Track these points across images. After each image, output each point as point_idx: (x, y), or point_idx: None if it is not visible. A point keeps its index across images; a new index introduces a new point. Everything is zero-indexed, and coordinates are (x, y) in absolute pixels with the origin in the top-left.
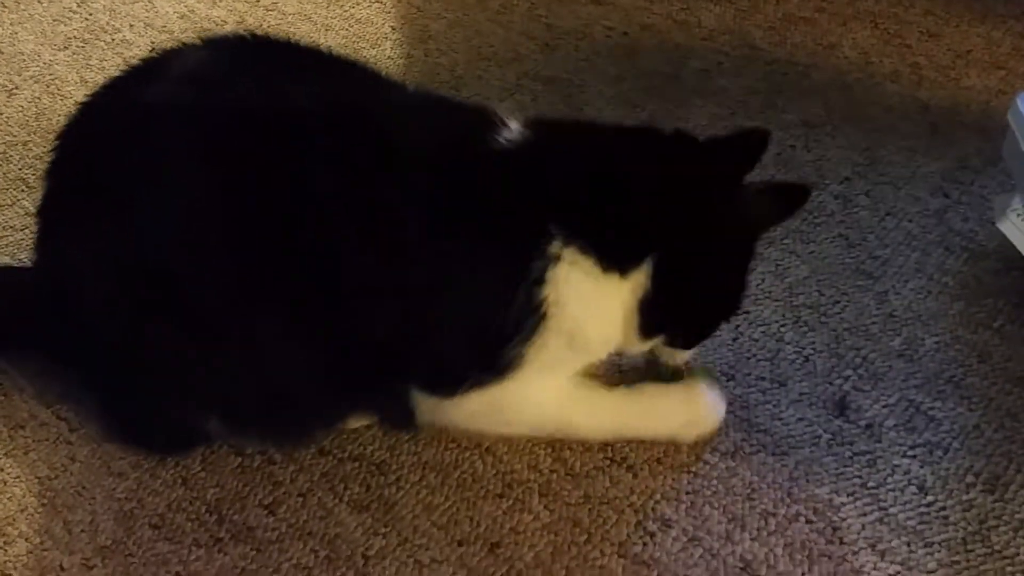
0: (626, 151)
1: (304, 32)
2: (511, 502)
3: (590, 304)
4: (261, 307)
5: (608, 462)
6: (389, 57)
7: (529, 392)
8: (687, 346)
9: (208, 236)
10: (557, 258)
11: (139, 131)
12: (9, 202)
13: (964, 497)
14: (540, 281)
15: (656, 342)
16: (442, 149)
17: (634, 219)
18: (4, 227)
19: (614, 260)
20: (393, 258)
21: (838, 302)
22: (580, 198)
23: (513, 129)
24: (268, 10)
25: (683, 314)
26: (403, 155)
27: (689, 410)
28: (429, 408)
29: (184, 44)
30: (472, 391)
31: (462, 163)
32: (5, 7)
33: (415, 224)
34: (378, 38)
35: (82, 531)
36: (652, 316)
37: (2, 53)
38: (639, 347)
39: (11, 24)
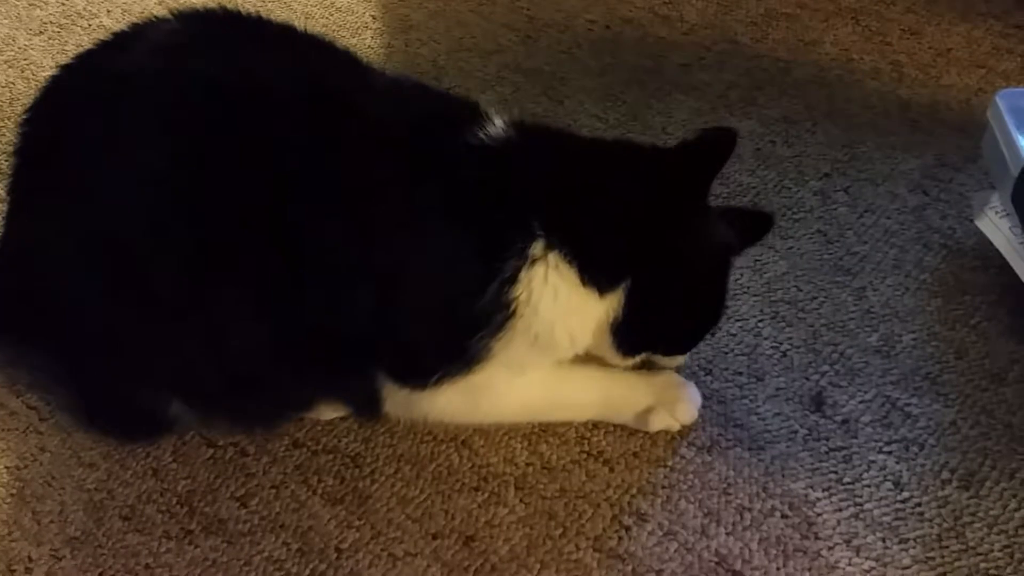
0: (613, 165)
1: (284, 20)
2: (486, 495)
3: (563, 310)
4: (224, 285)
5: (584, 456)
6: (370, 46)
7: (498, 385)
8: (673, 355)
9: (171, 211)
10: (536, 259)
11: (106, 104)
12: None
13: (939, 493)
14: (514, 279)
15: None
16: (423, 135)
17: (619, 240)
18: None
19: (596, 277)
20: (364, 240)
21: (816, 298)
22: (570, 206)
23: (497, 125)
24: None
25: (660, 334)
26: (380, 137)
27: (660, 392)
28: (402, 401)
29: (156, 17)
30: (442, 383)
31: (444, 151)
32: None
33: (389, 207)
34: (359, 27)
35: (51, 522)
36: (628, 338)
37: None
38: (623, 363)
39: None
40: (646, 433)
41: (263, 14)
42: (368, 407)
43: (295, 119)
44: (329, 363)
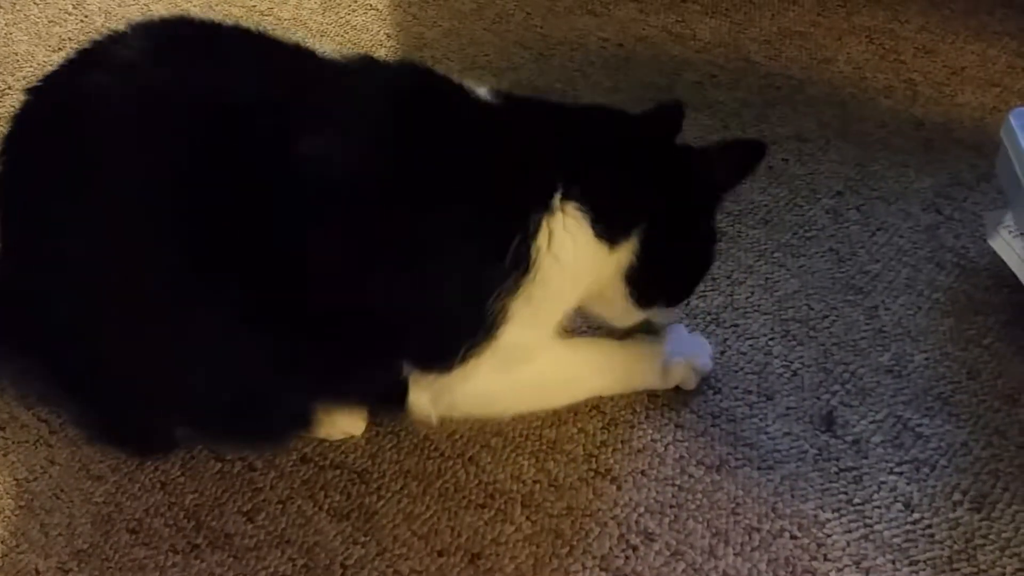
0: (607, 123)
1: (299, 38)
2: (493, 512)
3: (580, 257)
4: (220, 295)
5: (592, 474)
6: None
7: (523, 349)
8: (676, 303)
9: (151, 227)
10: (556, 210)
11: (78, 120)
12: None
13: (950, 515)
14: (536, 231)
15: (653, 311)
16: (419, 104)
17: (628, 192)
18: None
19: (607, 229)
20: (380, 219)
21: (827, 316)
22: (583, 160)
23: (482, 92)
24: (263, 15)
25: (671, 279)
26: (373, 114)
27: (675, 344)
28: (429, 391)
29: (113, 32)
30: (468, 359)
31: (444, 117)
32: (0, 8)
33: (399, 180)
34: (374, 45)
35: (59, 534)
36: (646, 287)
37: None
38: (634, 318)
39: (6, 25)
40: (654, 451)
41: (279, 31)
42: (391, 401)
43: (272, 114)
44: (350, 360)
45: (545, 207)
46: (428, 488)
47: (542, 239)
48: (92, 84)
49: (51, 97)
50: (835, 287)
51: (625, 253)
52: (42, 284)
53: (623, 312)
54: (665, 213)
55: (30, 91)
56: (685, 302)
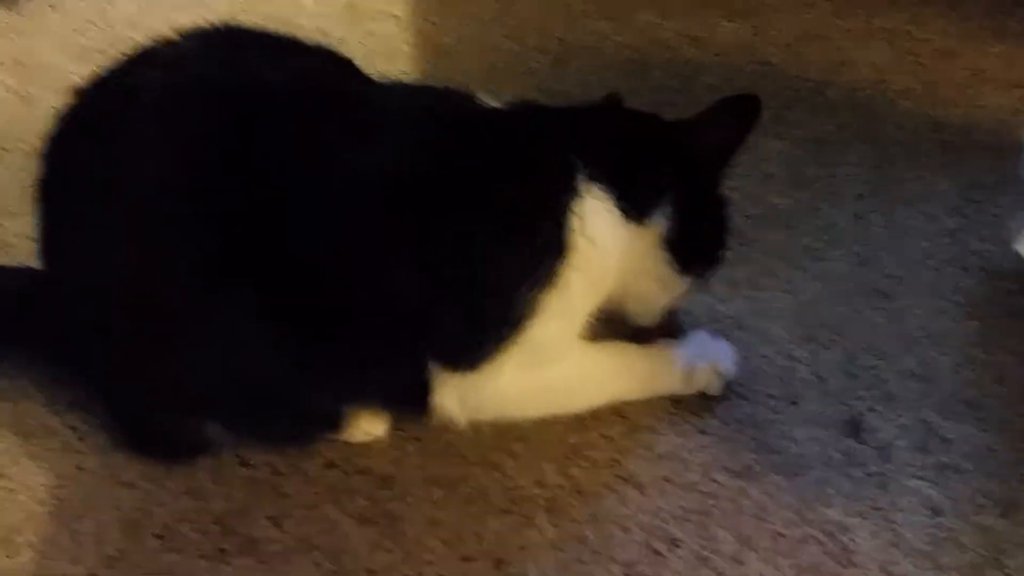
0: (609, 112)
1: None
2: (517, 518)
3: (612, 237)
4: (249, 294)
5: (616, 480)
6: (403, 71)
7: (552, 345)
8: (712, 266)
9: (181, 226)
10: (583, 193)
11: (116, 122)
12: (25, 211)
13: (977, 520)
14: (567, 214)
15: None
16: (437, 109)
17: (646, 166)
18: (20, 235)
19: (632, 206)
20: (401, 216)
21: (851, 320)
22: (600, 144)
23: (491, 101)
24: (285, 24)
25: (705, 242)
26: (394, 117)
27: (697, 348)
28: (457, 390)
29: (161, 37)
30: (496, 355)
31: (466, 118)
32: (25, 18)
33: (424, 178)
34: (393, 52)
35: (88, 541)
36: (684, 251)
37: (22, 64)
38: (673, 292)
39: (31, 35)
40: (678, 457)
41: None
42: (415, 404)
43: (308, 115)
44: (374, 359)
45: (572, 191)
46: (453, 494)
47: (575, 222)
48: (135, 81)
49: (93, 98)
50: (858, 291)
51: (659, 223)
52: (71, 288)
53: (661, 287)
54: (690, 176)
55: (76, 92)
56: (717, 270)
